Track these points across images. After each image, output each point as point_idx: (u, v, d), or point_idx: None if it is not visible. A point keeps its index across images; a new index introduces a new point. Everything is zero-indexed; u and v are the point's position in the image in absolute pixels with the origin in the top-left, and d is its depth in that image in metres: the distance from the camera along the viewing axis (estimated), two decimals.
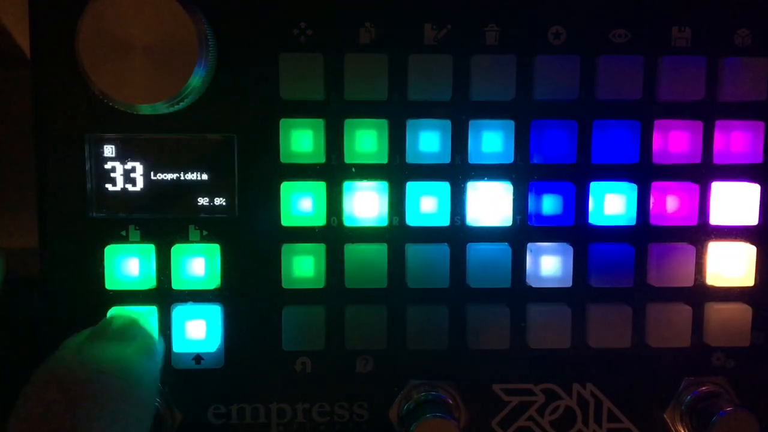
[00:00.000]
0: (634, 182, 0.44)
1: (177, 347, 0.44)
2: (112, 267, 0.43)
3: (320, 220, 0.43)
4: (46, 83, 0.42)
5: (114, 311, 0.43)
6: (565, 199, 0.43)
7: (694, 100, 0.44)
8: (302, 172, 0.43)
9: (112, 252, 0.43)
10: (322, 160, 0.43)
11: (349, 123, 0.43)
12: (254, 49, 0.42)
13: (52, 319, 0.43)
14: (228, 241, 0.44)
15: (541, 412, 0.46)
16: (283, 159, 0.43)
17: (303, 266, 0.43)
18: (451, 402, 0.44)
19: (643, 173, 0.44)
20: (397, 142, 0.43)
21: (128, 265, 0.43)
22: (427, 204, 0.43)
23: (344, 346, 0.44)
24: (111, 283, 0.43)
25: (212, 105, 0.43)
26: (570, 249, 0.44)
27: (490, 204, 0.43)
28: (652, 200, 0.44)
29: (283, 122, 0.42)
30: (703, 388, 0.45)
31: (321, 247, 0.43)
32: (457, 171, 0.44)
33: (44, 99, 0.42)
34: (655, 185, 0.44)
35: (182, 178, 0.43)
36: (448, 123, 0.43)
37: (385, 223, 0.44)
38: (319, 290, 0.44)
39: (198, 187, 0.43)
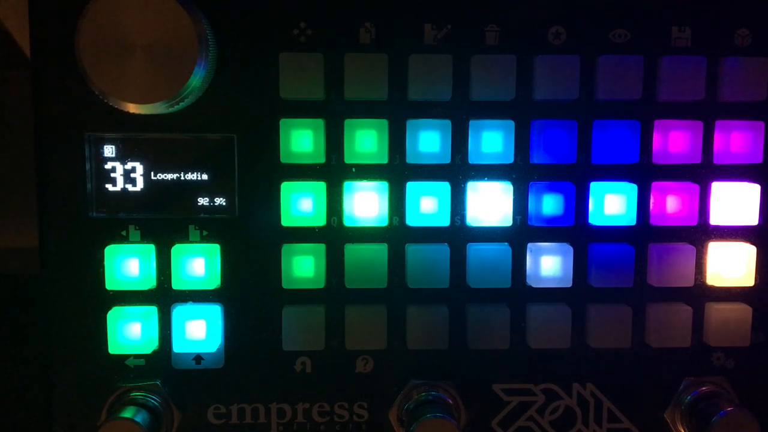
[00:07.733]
0: (634, 182, 0.44)
1: (177, 347, 0.44)
2: (112, 267, 0.43)
3: (320, 220, 0.43)
4: (46, 83, 0.42)
5: (114, 312, 0.43)
6: (566, 199, 0.43)
7: (694, 100, 0.44)
8: (302, 172, 0.43)
9: (112, 252, 0.43)
10: (322, 160, 0.43)
11: (349, 123, 0.42)
12: (254, 49, 0.42)
13: (52, 319, 0.43)
14: (228, 241, 0.44)
15: (541, 412, 0.46)
16: (283, 159, 0.43)
17: (303, 266, 0.43)
18: (451, 402, 0.44)
19: (643, 173, 0.44)
20: (397, 142, 0.43)
21: (128, 265, 0.43)
22: (427, 204, 0.43)
23: (344, 346, 0.44)
24: (111, 283, 0.43)
25: (212, 105, 0.43)
26: (570, 249, 0.44)
27: (490, 204, 0.43)
28: (652, 200, 0.44)
29: (283, 122, 0.42)
30: (703, 388, 0.45)
31: (321, 247, 0.43)
32: (457, 171, 0.44)
33: (44, 99, 0.42)
34: (655, 185, 0.44)
35: (182, 178, 0.43)
36: (448, 123, 0.43)
37: (385, 223, 0.44)
38: (319, 290, 0.44)
39: (198, 187, 0.43)
